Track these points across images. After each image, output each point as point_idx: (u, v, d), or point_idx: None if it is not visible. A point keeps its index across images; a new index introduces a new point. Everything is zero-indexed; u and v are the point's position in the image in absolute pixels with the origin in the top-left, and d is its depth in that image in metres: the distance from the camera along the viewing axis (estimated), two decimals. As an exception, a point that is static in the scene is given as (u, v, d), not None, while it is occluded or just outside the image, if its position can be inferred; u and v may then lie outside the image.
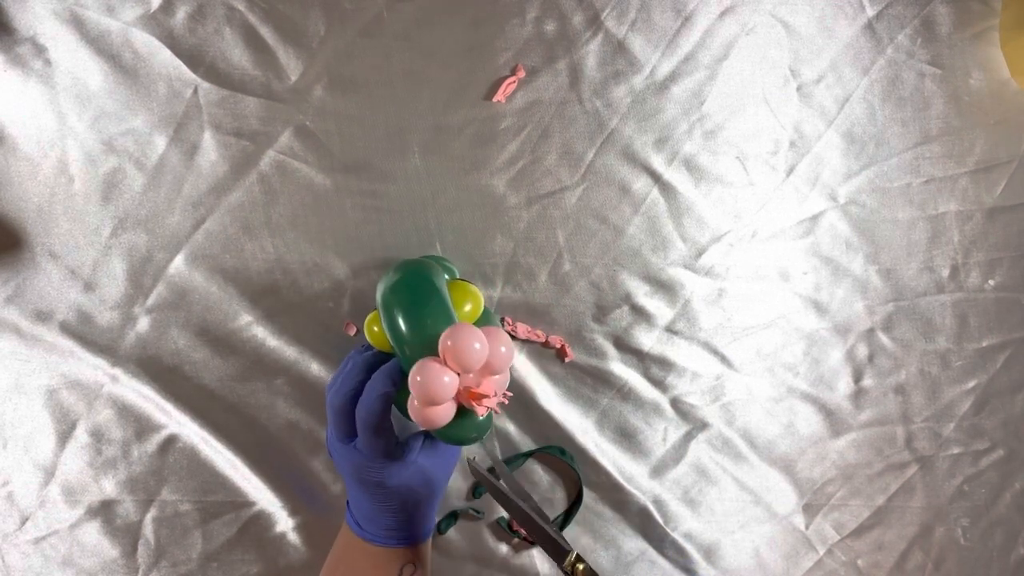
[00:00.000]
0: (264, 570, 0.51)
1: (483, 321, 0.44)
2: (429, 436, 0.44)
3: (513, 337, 0.50)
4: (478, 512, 0.52)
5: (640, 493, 0.52)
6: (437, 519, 0.51)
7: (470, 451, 0.50)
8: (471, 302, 0.43)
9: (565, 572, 0.42)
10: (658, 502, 0.52)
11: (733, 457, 0.52)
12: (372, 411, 0.39)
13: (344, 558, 0.45)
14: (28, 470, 0.50)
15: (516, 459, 0.51)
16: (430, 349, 0.38)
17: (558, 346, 0.51)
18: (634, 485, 0.52)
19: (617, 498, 0.52)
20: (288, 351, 0.50)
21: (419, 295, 0.39)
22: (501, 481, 0.47)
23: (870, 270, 0.51)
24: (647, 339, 0.51)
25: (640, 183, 0.50)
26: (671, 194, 0.50)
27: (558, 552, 0.42)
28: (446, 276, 0.44)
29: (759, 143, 0.50)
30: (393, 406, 0.41)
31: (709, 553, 0.53)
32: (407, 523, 0.43)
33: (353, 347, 0.50)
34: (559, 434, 0.51)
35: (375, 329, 0.43)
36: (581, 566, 0.42)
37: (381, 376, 0.40)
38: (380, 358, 0.42)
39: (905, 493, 0.53)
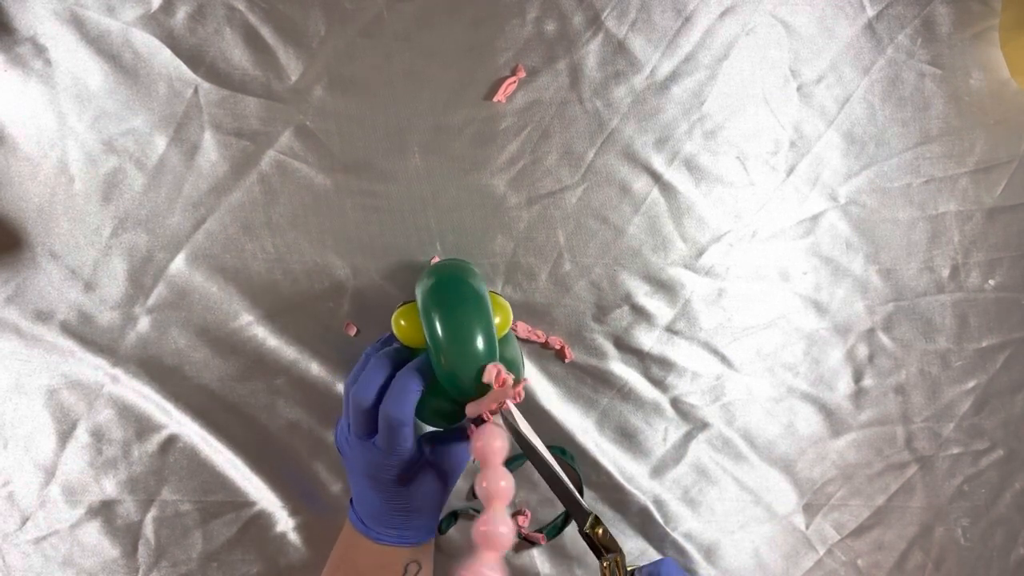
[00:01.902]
0: (264, 570, 0.51)
1: (505, 340, 0.44)
2: (442, 436, 0.44)
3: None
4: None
5: (640, 493, 0.52)
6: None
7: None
8: (500, 315, 0.43)
9: (585, 535, 0.42)
10: (658, 502, 0.52)
11: (733, 457, 0.52)
12: (398, 409, 0.39)
13: (348, 556, 0.45)
14: (28, 470, 0.50)
15: (516, 459, 0.51)
16: (466, 359, 0.38)
17: (558, 346, 0.51)
18: (634, 485, 0.52)
19: (617, 498, 0.52)
20: (288, 351, 0.50)
21: (465, 302, 0.40)
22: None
23: (870, 270, 0.51)
24: (647, 339, 0.51)
25: (640, 183, 0.50)
26: (671, 194, 0.50)
27: (580, 513, 0.42)
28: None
29: (759, 143, 0.50)
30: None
31: (709, 553, 0.53)
32: (415, 522, 0.43)
33: (353, 347, 0.50)
34: (559, 434, 0.51)
35: (402, 323, 0.42)
36: (600, 530, 0.41)
37: (410, 374, 0.39)
38: (403, 355, 0.42)
39: (905, 493, 0.53)
